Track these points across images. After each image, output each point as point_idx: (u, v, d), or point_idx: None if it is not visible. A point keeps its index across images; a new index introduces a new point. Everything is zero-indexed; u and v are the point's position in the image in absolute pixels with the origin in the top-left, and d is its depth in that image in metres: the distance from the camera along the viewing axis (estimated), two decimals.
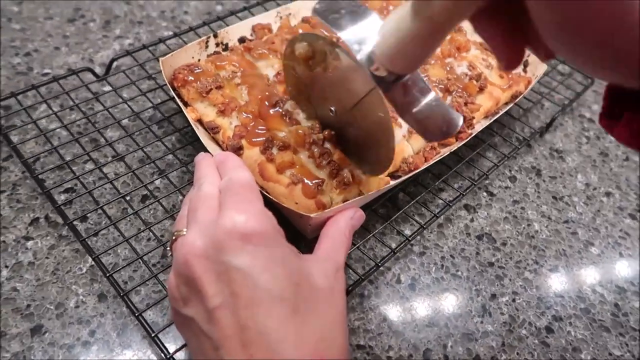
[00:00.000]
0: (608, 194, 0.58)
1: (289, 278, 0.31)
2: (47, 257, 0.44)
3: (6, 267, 0.43)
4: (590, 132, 0.65)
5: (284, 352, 0.28)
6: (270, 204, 0.47)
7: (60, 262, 0.44)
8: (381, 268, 0.47)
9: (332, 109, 0.44)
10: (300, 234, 0.44)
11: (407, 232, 0.50)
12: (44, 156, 0.50)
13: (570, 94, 0.67)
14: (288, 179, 0.44)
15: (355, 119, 0.43)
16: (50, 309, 0.41)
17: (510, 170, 0.58)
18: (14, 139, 0.51)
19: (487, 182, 0.57)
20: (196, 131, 0.47)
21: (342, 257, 0.37)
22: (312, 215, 0.40)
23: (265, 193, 0.42)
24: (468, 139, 0.52)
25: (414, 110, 0.36)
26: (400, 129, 0.50)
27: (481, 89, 0.56)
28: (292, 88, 0.49)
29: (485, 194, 0.56)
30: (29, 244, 0.45)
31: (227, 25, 0.60)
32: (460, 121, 0.37)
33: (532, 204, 0.55)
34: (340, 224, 0.40)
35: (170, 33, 0.65)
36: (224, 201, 0.34)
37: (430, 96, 0.36)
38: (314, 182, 0.44)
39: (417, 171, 0.48)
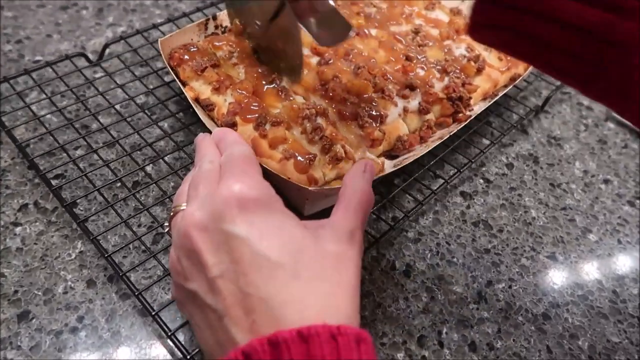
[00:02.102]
0: (606, 181, 0.57)
1: (288, 244, 0.30)
2: (35, 243, 0.43)
3: None
4: (589, 119, 0.65)
5: (285, 316, 0.27)
6: (267, 178, 0.47)
7: (49, 248, 0.43)
8: (376, 254, 0.46)
9: (258, 22, 0.50)
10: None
11: (399, 214, 0.49)
12: (37, 141, 0.50)
13: None
14: (280, 154, 0.44)
15: (274, 33, 0.48)
16: (38, 294, 0.40)
17: (507, 157, 0.58)
18: (7, 124, 0.50)
19: (483, 169, 0.56)
20: (196, 110, 0.47)
21: (360, 217, 0.34)
22: (310, 188, 0.40)
23: (263, 165, 0.42)
24: (468, 120, 0.52)
25: (313, 18, 0.44)
26: (396, 108, 0.50)
27: (479, 71, 0.56)
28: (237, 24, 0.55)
29: (481, 180, 0.55)
30: (18, 229, 0.44)
31: (221, 11, 0.60)
32: (351, 30, 0.45)
33: (529, 191, 0.55)
34: (355, 181, 0.36)
35: (164, 20, 0.64)
36: (223, 174, 0.34)
37: (329, 7, 0.44)
38: (306, 157, 0.44)
39: (414, 157, 0.48)
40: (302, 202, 0.44)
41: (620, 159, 0.60)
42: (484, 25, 0.31)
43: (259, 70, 0.51)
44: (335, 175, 0.45)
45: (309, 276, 0.29)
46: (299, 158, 0.44)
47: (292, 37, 0.46)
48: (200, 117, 0.46)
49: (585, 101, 0.67)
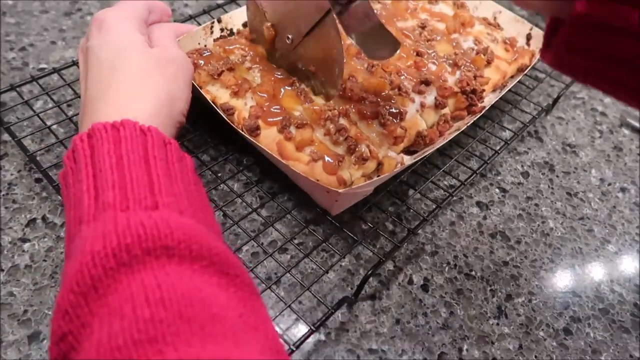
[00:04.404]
0: (623, 190, 0.56)
1: (118, 44, 0.40)
2: (44, 260, 0.42)
3: (2, 270, 0.41)
4: (603, 125, 0.64)
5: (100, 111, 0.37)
6: (290, 184, 0.48)
7: (58, 265, 0.42)
8: (393, 268, 0.45)
9: (289, 36, 0.47)
10: (322, 215, 0.46)
11: (416, 222, 0.48)
12: (43, 152, 0.48)
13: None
14: (308, 156, 0.44)
15: (310, 44, 0.46)
16: (48, 314, 0.39)
17: (522, 166, 0.57)
18: (17, 134, 0.49)
19: (499, 178, 0.55)
20: (217, 110, 0.46)
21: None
22: (340, 190, 0.40)
23: (291, 168, 0.43)
24: (482, 112, 0.52)
25: (361, 31, 0.43)
26: (413, 104, 0.50)
27: (488, 63, 0.57)
28: (256, 34, 0.52)
29: (497, 190, 0.54)
30: (26, 246, 0.43)
31: (227, 13, 0.59)
32: (398, 45, 0.44)
33: (546, 200, 0.54)
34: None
35: None
36: None
37: (375, 21, 0.42)
38: (334, 158, 0.44)
39: (434, 148, 0.48)
40: (332, 203, 0.44)
41: (637, 167, 0.59)
42: (570, 50, 0.29)
43: (276, 74, 0.50)
44: (361, 175, 0.45)
45: (129, 71, 0.38)
46: (328, 159, 0.44)
47: (332, 48, 0.45)
48: (225, 118, 0.46)
49: (600, 107, 0.66)
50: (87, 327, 0.24)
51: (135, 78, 0.37)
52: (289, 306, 0.40)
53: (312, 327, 0.38)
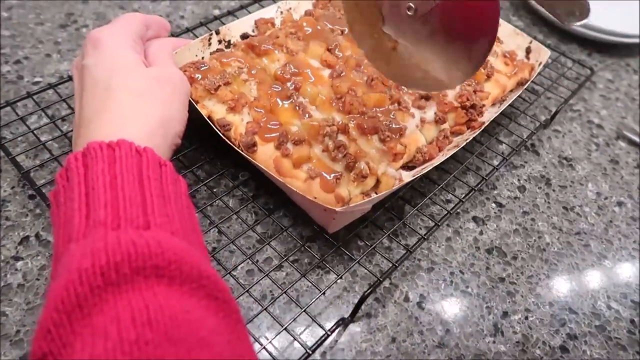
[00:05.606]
0: (620, 204, 0.56)
1: (114, 64, 0.40)
2: (37, 279, 0.42)
3: None
4: (600, 138, 0.64)
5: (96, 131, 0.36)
6: (286, 199, 0.48)
7: None
8: (389, 285, 0.45)
9: (412, 5, 0.36)
10: (318, 232, 0.46)
11: (413, 238, 0.48)
12: (38, 168, 0.48)
13: (569, 84, 0.67)
14: (305, 173, 0.44)
15: (444, 12, 0.35)
16: None
17: (519, 180, 0.57)
18: (10, 150, 0.49)
19: (495, 192, 0.55)
20: (212, 126, 0.46)
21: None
22: (337, 209, 0.40)
23: (288, 185, 0.42)
24: (482, 127, 0.52)
25: None
26: (413, 119, 0.50)
27: (488, 77, 0.57)
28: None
29: (494, 205, 0.54)
30: (19, 264, 0.42)
31: (224, 25, 0.58)
32: (589, 9, 0.35)
33: (543, 215, 0.54)
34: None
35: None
36: None
37: None
38: (332, 175, 0.43)
39: (433, 165, 0.47)
40: (329, 221, 0.43)
41: (633, 180, 0.59)
42: None
43: (273, 87, 0.50)
44: (360, 192, 0.45)
45: (125, 92, 0.37)
46: (326, 177, 0.43)
47: (478, 14, 0.34)
48: (221, 135, 0.46)
49: (596, 119, 0.66)
50: (68, 347, 0.24)
51: (131, 99, 0.37)
52: (285, 328, 0.40)
53: (309, 351, 0.38)
